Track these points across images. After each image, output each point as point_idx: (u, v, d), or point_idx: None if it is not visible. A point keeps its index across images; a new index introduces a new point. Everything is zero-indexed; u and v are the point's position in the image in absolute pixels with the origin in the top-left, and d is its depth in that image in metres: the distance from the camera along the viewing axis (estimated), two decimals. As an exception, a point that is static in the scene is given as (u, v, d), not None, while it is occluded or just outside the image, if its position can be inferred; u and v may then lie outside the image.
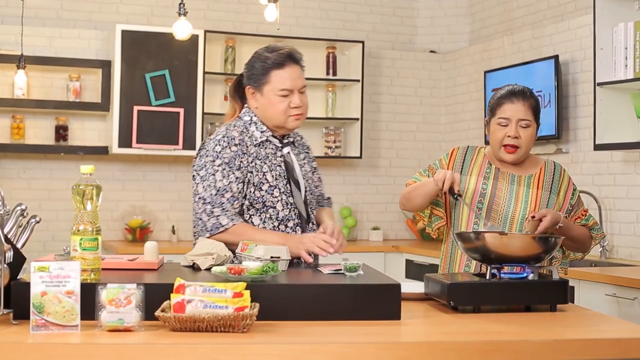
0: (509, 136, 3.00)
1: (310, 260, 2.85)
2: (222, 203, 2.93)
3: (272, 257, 2.62)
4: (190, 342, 2.01)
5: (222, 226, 2.90)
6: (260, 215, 2.98)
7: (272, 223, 2.99)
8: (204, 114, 6.07)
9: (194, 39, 5.94)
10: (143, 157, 6.22)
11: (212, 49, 6.29)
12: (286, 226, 3.00)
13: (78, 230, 2.35)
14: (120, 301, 2.11)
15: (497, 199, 3.04)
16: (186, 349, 1.98)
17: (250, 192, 2.97)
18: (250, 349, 1.99)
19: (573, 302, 4.14)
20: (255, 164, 2.98)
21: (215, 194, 2.93)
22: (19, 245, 2.45)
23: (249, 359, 1.98)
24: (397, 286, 2.36)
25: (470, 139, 6.56)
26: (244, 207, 2.98)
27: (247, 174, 2.97)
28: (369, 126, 6.84)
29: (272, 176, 2.99)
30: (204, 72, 6.08)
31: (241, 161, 2.97)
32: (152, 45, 5.94)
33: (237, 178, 2.95)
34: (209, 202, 2.93)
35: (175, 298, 2.15)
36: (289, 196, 3.01)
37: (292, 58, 3.03)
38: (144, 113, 5.90)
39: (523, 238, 2.66)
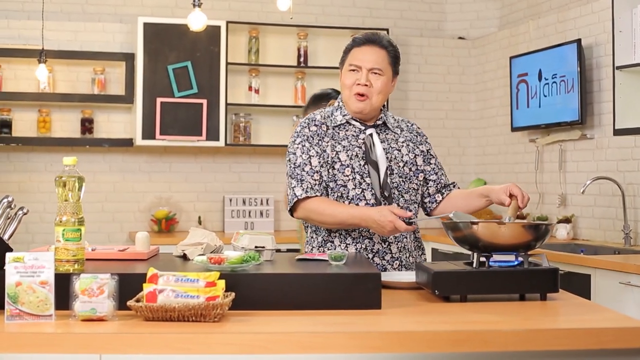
0: None
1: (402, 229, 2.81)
2: (301, 175, 3.00)
3: (256, 247, 2.61)
4: (158, 331, 2.01)
5: (296, 196, 2.99)
6: (333, 194, 3.02)
7: (343, 201, 3.02)
8: (227, 104, 6.10)
9: (216, 30, 5.98)
10: (169, 149, 6.27)
11: (236, 39, 6.30)
12: (357, 205, 3.01)
13: (61, 221, 2.37)
14: (93, 291, 2.12)
15: None
16: (151, 338, 1.98)
17: (325, 169, 3.02)
18: (216, 338, 1.99)
19: (589, 291, 4.07)
20: (330, 144, 3.04)
21: (295, 169, 3.02)
22: (5, 237, 2.50)
23: (214, 348, 1.98)
24: (377, 275, 2.34)
25: (499, 125, 6.48)
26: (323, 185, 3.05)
27: (322, 153, 3.02)
28: (397, 114, 6.73)
29: (347, 156, 3.03)
30: (227, 63, 6.10)
31: (320, 139, 3.04)
32: (174, 37, 5.98)
33: (317, 153, 3.02)
34: (292, 177, 3.03)
35: (147, 288, 2.15)
36: (366, 176, 3.02)
37: (373, 40, 3.05)
38: (167, 105, 5.95)
39: (514, 227, 2.60)
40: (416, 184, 3.13)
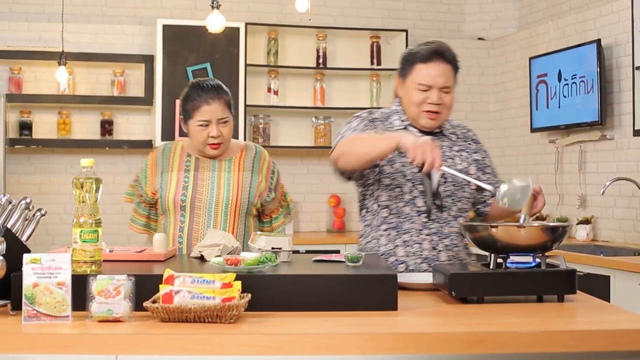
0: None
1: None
2: (351, 133, 2.98)
3: (273, 248, 2.62)
4: (174, 332, 2.02)
5: (342, 137, 2.97)
6: (388, 193, 2.99)
7: (397, 203, 2.98)
8: (246, 106, 6.11)
9: (234, 31, 5.99)
10: (188, 150, 6.28)
11: (255, 41, 6.32)
12: (411, 209, 2.98)
13: (78, 223, 2.39)
14: (110, 292, 2.14)
15: (200, 187, 3.23)
16: (167, 339, 1.99)
17: (382, 164, 2.97)
18: (230, 339, 1.99)
19: (609, 292, 4.05)
20: None
21: (348, 130, 3.01)
22: (24, 238, 2.51)
23: (228, 349, 1.98)
24: (393, 277, 2.34)
25: (518, 126, 6.45)
26: (374, 176, 3.00)
27: None
28: (415, 115, 6.76)
29: (401, 162, 2.98)
30: (246, 65, 6.11)
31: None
32: (193, 38, 6.00)
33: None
34: (341, 133, 3.02)
35: (163, 289, 2.16)
36: (418, 184, 2.98)
37: (439, 54, 2.96)
38: (186, 106, 5.95)
39: (530, 228, 2.59)
40: (469, 192, 3.08)
